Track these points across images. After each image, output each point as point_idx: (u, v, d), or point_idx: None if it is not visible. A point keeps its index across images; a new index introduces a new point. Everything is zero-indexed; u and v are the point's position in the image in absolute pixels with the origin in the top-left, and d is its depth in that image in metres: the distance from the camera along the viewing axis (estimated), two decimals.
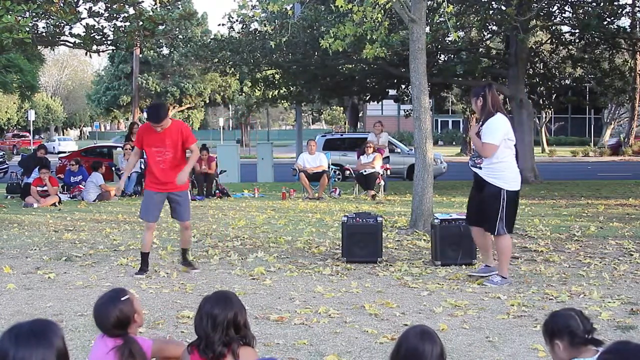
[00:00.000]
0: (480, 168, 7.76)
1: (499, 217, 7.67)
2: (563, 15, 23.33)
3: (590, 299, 7.04)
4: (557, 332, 3.71)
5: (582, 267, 8.61)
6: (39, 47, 24.12)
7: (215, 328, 3.75)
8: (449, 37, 20.68)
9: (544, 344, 5.28)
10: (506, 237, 7.78)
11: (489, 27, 23.15)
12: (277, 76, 27.05)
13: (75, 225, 12.72)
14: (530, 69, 25.00)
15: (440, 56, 24.51)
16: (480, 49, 23.79)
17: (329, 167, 18.32)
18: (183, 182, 8.36)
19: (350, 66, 24.49)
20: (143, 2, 16.54)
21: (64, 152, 42.31)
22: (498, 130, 7.64)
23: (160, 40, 23.47)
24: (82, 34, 16.72)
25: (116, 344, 3.82)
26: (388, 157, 19.32)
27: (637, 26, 24.14)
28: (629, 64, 26.95)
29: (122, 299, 3.93)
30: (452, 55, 23.83)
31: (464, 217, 9.09)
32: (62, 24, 16.36)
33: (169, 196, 8.52)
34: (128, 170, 9.79)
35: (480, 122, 7.78)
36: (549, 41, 25.26)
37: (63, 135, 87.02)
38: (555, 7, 22.87)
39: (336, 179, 21.93)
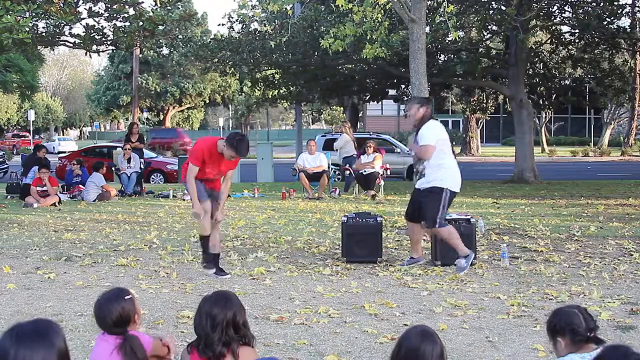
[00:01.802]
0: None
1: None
2: (563, 15, 23.35)
3: (590, 299, 7.04)
4: (560, 329, 3.72)
5: (582, 267, 8.61)
6: (38, 47, 24.10)
7: (215, 328, 3.76)
8: (449, 37, 20.69)
9: (544, 343, 5.31)
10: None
11: (489, 27, 23.16)
12: (277, 76, 27.06)
13: (75, 225, 12.71)
14: (530, 69, 25.00)
15: (440, 56, 24.52)
16: (480, 49, 23.79)
17: (328, 167, 18.32)
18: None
19: (350, 66, 24.50)
20: (143, 2, 16.52)
21: (64, 152, 42.31)
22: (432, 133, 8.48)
23: (160, 41, 23.50)
24: (82, 34, 16.72)
25: (117, 342, 3.82)
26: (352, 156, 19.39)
27: (637, 26, 24.15)
28: (628, 64, 26.98)
29: (126, 297, 3.94)
30: (452, 55, 23.83)
31: (464, 216, 9.12)
32: (62, 24, 16.36)
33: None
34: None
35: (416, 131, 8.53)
36: (548, 41, 25.27)
37: (63, 135, 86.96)
38: (555, 7, 22.89)
39: (336, 179, 21.90)
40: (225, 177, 8.49)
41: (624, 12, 22.05)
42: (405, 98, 27.51)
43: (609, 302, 6.89)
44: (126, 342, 3.81)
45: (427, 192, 8.41)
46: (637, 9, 23.89)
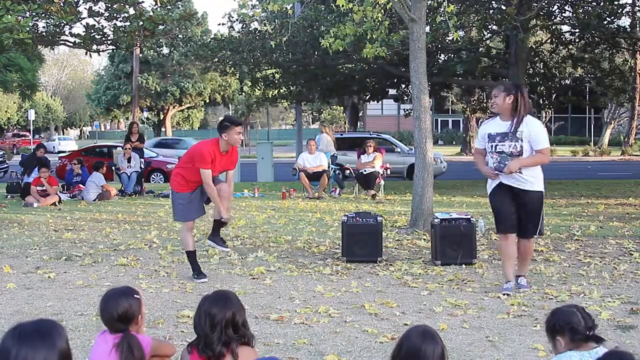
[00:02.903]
0: (521, 172, 7.24)
1: (541, 219, 7.62)
2: (563, 14, 23.32)
3: (590, 298, 7.04)
4: (559, 328, 3.72)
5: (582, 266, 8.61)
6: (39, 47, 24.11)
7: (214, 327, 3.76)
8: (449, 36, 20.67)
9: (544, 343, 5.30)
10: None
11: (489, 27, 23.13)
12: (277, 75, 27.04)
13: (75, 225, 12.72)
14: (530, 69, 24.97)
15: (440, 56, 24.50)
16: (481, 49, 23.77)
17: (328, 167, 18.32)
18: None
19: (350, 66, 24.48)
20: (143, 2, 16.51)
21: (64, 152, 42.31)
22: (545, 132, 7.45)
23: (161, 40, 23.47)
24: (82, 34, 16.71)
25: (116, 341, 3.82)
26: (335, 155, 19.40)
27: (637, 26, 24.12)
28: (629, 63, 26.95)
29: (135, 296, 3.95)
30: (452, 55, 23.81)
31: (465, 216, 9.11)
32: (63, 24, 16.35)
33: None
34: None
35: (512, 125, 7.28)
36: (549, 41, 25.24)
37: (63, 134, 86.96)
38: (555, 7, 22.85)
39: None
40: (227, 178, 8.49)
41: (624, 12, 22.02)
42: (406, 98, 27.52)
43: (609, 301, 6.90)
44: (124, 340, 3.81)
45: (537, 195, 7.38)
46: (637, 8, 23.86)
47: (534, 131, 7.25)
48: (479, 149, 7.64)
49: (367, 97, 31.43)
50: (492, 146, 7.36)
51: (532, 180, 7.28)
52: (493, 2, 21.40)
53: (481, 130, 7.67)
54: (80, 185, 17.89)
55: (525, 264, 7.68)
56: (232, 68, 26.31)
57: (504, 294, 7.25)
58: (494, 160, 7.33)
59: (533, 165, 7.27)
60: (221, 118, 8.32)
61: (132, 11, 16.13)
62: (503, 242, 7.53)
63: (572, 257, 9.29)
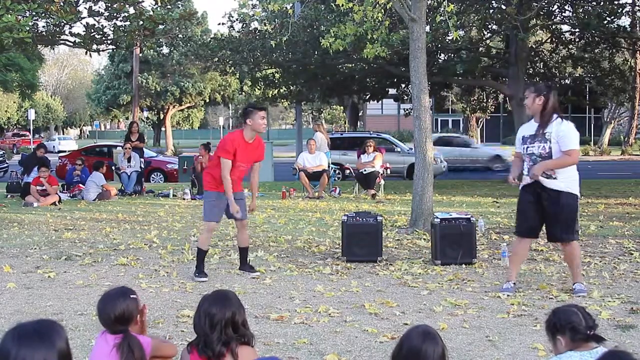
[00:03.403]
0: (555, 178, 7.12)
1: (576, 223, 7.37)
2: (563, 14, 23.32)
3: (590, 298, 7.05)
4: (560, 328, 3.72)
5: (582, 266, 8.61)
6: (39, 47, 24.09)
7: (213, 327, 3.76)
8: (449, 36, 20.67)
9: (544, 342, 5.30)
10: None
11: (489, 26, 23.14)
12: (277, 75, 27.04)
13: (75, 225, 12.72)
14: (530, 68, 24.98)
15: (440, 55, 24.49)
16: (481, 48, 23.78)
17: (328, 167, 18.32)
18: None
19: (350, 65, 24.48)
20: (143, 1, 16.51)
21: (64, 151, 42.31)
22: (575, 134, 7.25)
23: (161, 40, 23.45)
24: (82, 33, 16.70)
25: (116, 341, 3.82)
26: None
27: (637, 25, 24.13)
28: (628, 63, 26.95)
29: (131, 296, 3.95)
30: (452, 55, 23.81)
31: (464, 216, 9.10)
32: (62, 23, 16.34)
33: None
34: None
35: (539, 126, 7.27)
36: (549, 40, 25.25)
37: (63, 134, 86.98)
38: (555, 7, 22.86)
39: (336, 178, 21.92)
40: (253, 169, 8.48)
41: (624, 11, 22.02)
42: (406, 97, 27.52)
43: (609, 301, 6.90)
44: (124, 340, 3.81)
45: (566, 197, 7.16)
46: (637, 8, 23.86)
47: (563, 132, 7.13)
48: (517, 153, 7.61)
49: (367, 96, 31.44)
50: (524, 148, 7.34)
51: (564, 181, 7.12)
52: (493, 1, 21.41)
53: (518, 133, 7.63)
54: (80, 185, 17.90)
55: (574, 269, 7.44)
56: (232, 68, 26.32)
57: (503, 294, 7.24)
58: (527, 164, 7.29)
59: (558, 167, 7.10)
60: (246, 107, 8.32)
61: (132, 10, 16.12)
62: (517, 242, 7.57)
63: None
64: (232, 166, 8.08)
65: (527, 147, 7.28)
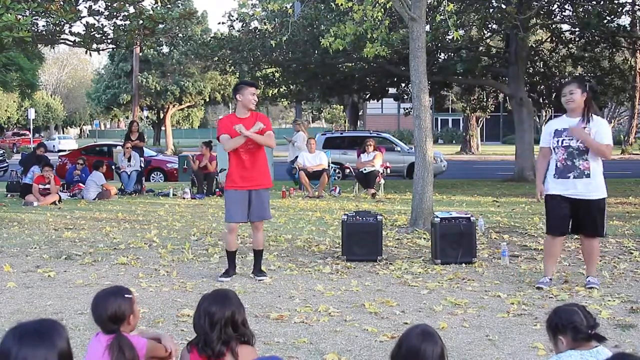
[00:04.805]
0: (589, 176, 7.26)
1: (605, 220, 7.57)
2: (563, 13, 23.34)
3: (590, 297, 7.04)
4: (561, 327, 3.71)
5: (582, 265, 8.57)
6: (39, 46, 24.09)
7: (213, 326, 3.76)
8: (449, 35, 20.67)
9: (544, 342, 5.30)
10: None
11: (489, 26, 23.14)
12: (277, 74, 27.06)
13: (75, 224, 12.72)
14: (530, 68, 25.00)
15: (440, 54, 24.50)
16: (481, 48, 23.79)
17: (328, 166, 18.31)
18: (259, 127, 8.01)
19: (350, 65, 24.49)
20: (143, 0, 16.48)
21: (64, 151, 42.30)
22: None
23: (161, 39, 23.47)
24: (83, 33, 16.70)
25: (109, 342, 3.82)
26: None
27: (637, 25, 24.12)
28: (629, 62, 26.95)
29: (125, 295, 3.94)
30: (452, 54, 23.82)
31: (465, 215, 9.10)
32: (62, 23, 16.33)
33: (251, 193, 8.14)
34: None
35: (582, 120, 7.36)
36: (549, 40, 25.26)
37: (63, 133, 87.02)
38: (556, 6, 22.88)
39: (336, 177, 21.92)
40: (264, 135, 8.09)
41: (624, 11, 22.03)
42: (405, 96, 27.52)
43: (609, 300, 6.90)
44: (115, 341, 3.81)
45: (600, 202, 7.37)
46: (637, 7, 23.87)
47: (601, 128, 7.34)
48: (544, 148, 7.64)
49: (367, 96, 31.44)
50: (558, 141, 7.41)
51: (594, 189, 7.30)
52: (493, 0, 21.40)
53: (547, 128, 7.70)
54: (80, 184, 17.90)
55: (592, 264, 7.61)
56: (232, 67, 26.34)
57: (537, 287, 7.41)
58: (560, 155, 7.35)
59: (594, 148, 7.23)
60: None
61: (132, 10, 16.12)
62: (550, 241, 7.64)
63: (572, 256, 9.30)
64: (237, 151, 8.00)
65: (563, 140, 7.36)
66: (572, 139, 7.31)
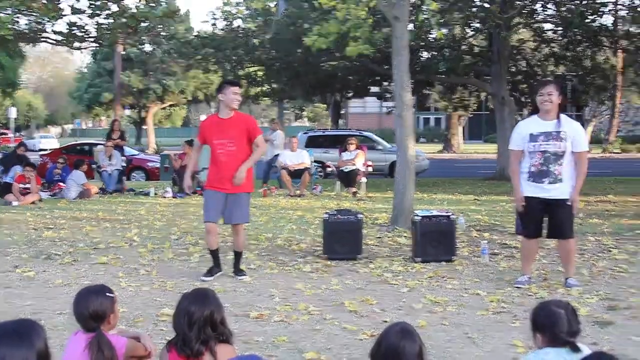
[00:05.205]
0: (562, 180, 7.28)
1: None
2: (546, 13, 23.43)
3: (569, 294, 7.07)
4: (541, 327, 3.68)
5: (561, 263, 8.63)
6: (20, 44, 23.95)
7: (192, 326, 3.75)
8: (432, 34, 20.73)
9: (523, 339, 5.33)
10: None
11: (472, 25, 23.21)
12: (259, 73, 27.03)
13: (55, 223, 12.64)
14: (513, 67, 25.08)
15: (422, 53, 24.55)
16: (463, 46, 23.85)
17: (311, 164, 18.30)
18: (241, 179, 8.13)
19: (333, 63, 24.49)
20: None
21: (46, 150, 42.04)
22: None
23: (143, 38, 23.39)
24: (65, 31, 16.62)
25: (88, 340, 3.80)
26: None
27: (619, 24, 24.26)
28: (610, 62, 27.10)
29: (107, 294, 3.93)
30: (435, 53, 23.88)
31: (445, 214, 9.13)
32: (45, 21, 16.25)
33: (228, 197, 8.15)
34: (192, 167, 9.18)
35: (558, 123, 7.30)
36: (531, 39, 25.36)
37: (44, 132, 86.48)
38: (538, 5, 22.97)
39: (318, 176, 21.91)
40: (255, 143, 8.20)
41: (606, 10, 22.15)
42: (388, 95, 27.55)
43: (588, 297, 6.94)
44: (95, 339, 3.80)
45: (567, 204, 7.35)
46: (619, 7, 24.00)
47: (578, 132, 7.34)
48: (516, 151, 7.60)
49: (350, 94, 31.46)
50: (534, 146, 7.34)
51: (565, 189, 7.31)
52: None
53: (521, 130, 7.58)
54: (61, 184, 17.80)
55: (570, 265, 7.59)
56: (215, 65, 26.27)
57: (516, 286, 7.41)
58: (536, 160, 7.32)
59: (582, 181, 7.35)
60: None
61: (115, 8, 16.07)
62: (525, 242, 7.68)
63: (551, 253, 9.32)
64: (212, 148, 8.04)
65: (540, 145, 7.30)
66: (549, 144, 7.25)
